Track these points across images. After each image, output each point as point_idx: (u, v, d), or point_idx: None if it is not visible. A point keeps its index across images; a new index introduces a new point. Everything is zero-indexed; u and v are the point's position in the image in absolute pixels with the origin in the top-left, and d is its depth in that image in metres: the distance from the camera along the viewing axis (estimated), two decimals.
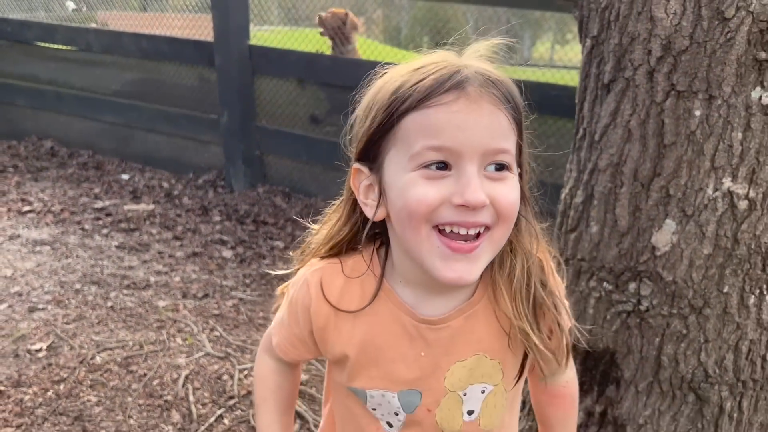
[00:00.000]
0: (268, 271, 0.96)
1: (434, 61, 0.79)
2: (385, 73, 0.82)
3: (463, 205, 0.74)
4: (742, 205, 1.22)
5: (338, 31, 4.12)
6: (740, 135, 1.19)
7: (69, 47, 4.84)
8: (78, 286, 2.74)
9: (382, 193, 0.80)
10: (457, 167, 0.74)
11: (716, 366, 1.29)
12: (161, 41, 4.41)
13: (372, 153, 0.80)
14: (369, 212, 0.82)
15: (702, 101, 1.20)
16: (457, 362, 0.86)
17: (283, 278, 2.91)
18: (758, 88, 1.17)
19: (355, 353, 0.87)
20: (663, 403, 1.35)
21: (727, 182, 1.21)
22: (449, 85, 0.74)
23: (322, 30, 4.17)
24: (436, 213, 0.75)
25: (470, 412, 0.89)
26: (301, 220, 0.99)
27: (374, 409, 0.90)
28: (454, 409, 0.88)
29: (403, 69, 0.80)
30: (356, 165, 0.83)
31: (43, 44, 4.98)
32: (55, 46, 4.94)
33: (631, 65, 1.26)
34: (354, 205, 0.87)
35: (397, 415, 0.89)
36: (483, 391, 0.88)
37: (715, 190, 1.22)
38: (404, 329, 0.86)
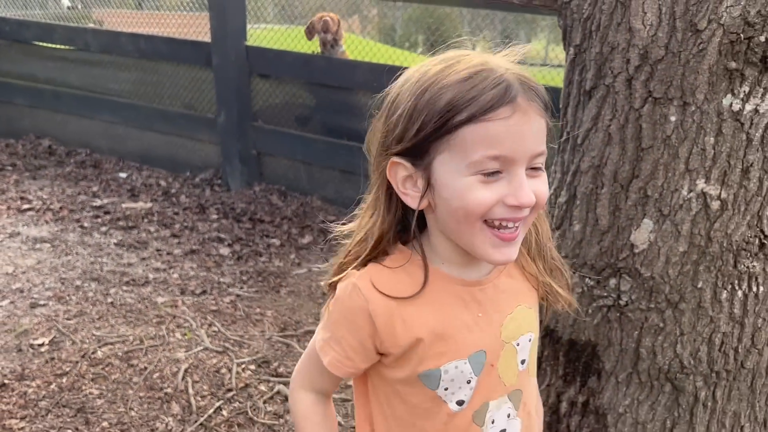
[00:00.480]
0: (324, 283, 0.98)
1: (479, 68, 0.84)
2: (423, 76, 0.86)
3: (516, 205, 0.84)
4: (715, 205, 1.29)
5: (336, 35, 4.21)
6: (712, 139, 1.26)
7: (67, 47, 4.88)
8: (78, 282, 2.80)
9: (428, 186, 0.87)
10: (509, 171, 0.84)
11: (691, 357, 1.37)
12: (159, 41, 4.47)
13: (419, 152, 0.86)
14: (411, 201, 0.89)
15: (677, 107, 1.27)
16: (507, 316, 0.97)
17: (279, 275, 2.95)
18: (729, 96, 1.24)
19: (428, 333, 0.92)
20: (641, 393, 1.42)
21: (701, 184, 1.28)
22: (506, 100, 0.82)
23: (323, 34, 4.24)
24: (490, 212, 0.85)
25: (523, 362, 0.99)
26: (328, 223, 1.01)
27: (446, 389, 0.94)
28: (511, 360, 0.97)
29: (449, 76, 0.83)
30: (396, 159, 0.88)
31: (41, 44, 5.03)
32: (53, 46, 4.98)
33: (611, 73, 1.33)
34: (391, 195, 0.92)
35: (469, 383, 0.94)
36: (530, 340, 1.00)
37: (690, 191, 1.29)
38: (459, 297, 0.94)
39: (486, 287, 0.96)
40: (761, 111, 1.24)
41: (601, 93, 1.35)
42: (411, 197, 0.88)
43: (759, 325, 1.37)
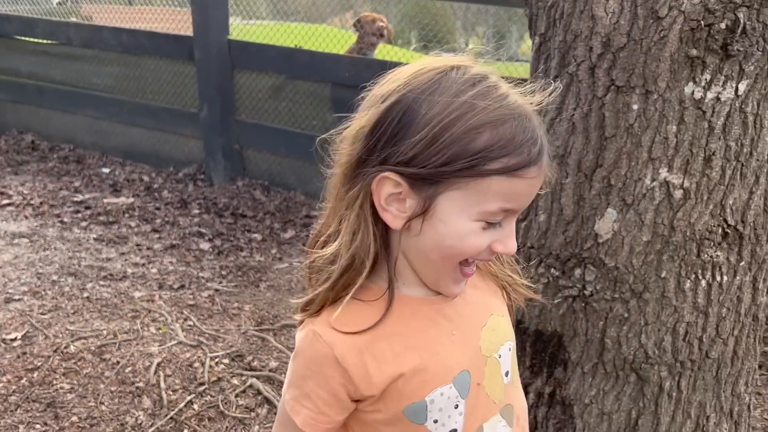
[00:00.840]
0: (301, 317, 0.88)
1: (515, 111, 0.79)
2: (451, 103, 0.77)
3: (501, 252, 0.83)
4: (678, 194, 1.28)
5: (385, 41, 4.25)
6: (675, 128, 1.25)
7: (49, 41, 4.85)
8: (55, 277, 2.78)
9: (425, 212, 0.80)
10: (506, 219, 0.82)
11: (655, 347, 1.36)
12: (141, 35, 4.44)
13: (429, 180, 0.78)
14: (392, 220, 0.81)
15: (639, 96, 1.26)
16: (481, 328, 0.92)
17: (260, 269, 2.92)
18: (691, 84, 1.23)
19: (405, 365, 0.85)
20: (607, 384, 1.41)
21: (664, 172, 1.28)
22: (537, 160, 0.79)
23: (377, 38, 4.23)
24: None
25: (507, 374, 0.95)
26: (306, 249, 0.91)
27: (435, 421, 0.87)
28: (496, 374, 0.93)
29: (484, 112, 0.77)
30: (392, 175, 0.79)
31: (23, 38, 4.99)
32: (36, 40, 4.94)
33: (574, 61, 1.32)
34: (375, 210, 0.82)
35: (456, 408, 0.88)
36: (510, 349, 0.96)
37: (653, 180, 1.29)
38: (428, 318, 0.88)
39: (452, 302, 0.90)
40: (723, 99, 1.24)
41: (565, 81, 1.34)
42: (392, 216, 0.81)
43: (723, 315, 1.37)
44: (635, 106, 1.27)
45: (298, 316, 0.90)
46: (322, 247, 0.87)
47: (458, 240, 0.80)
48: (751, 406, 1.55)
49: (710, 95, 1.23)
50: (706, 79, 1.23)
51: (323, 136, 0.87)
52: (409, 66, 0.83)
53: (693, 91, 1.24)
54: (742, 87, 1.23)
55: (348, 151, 0.82)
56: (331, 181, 0.86)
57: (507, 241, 0.82)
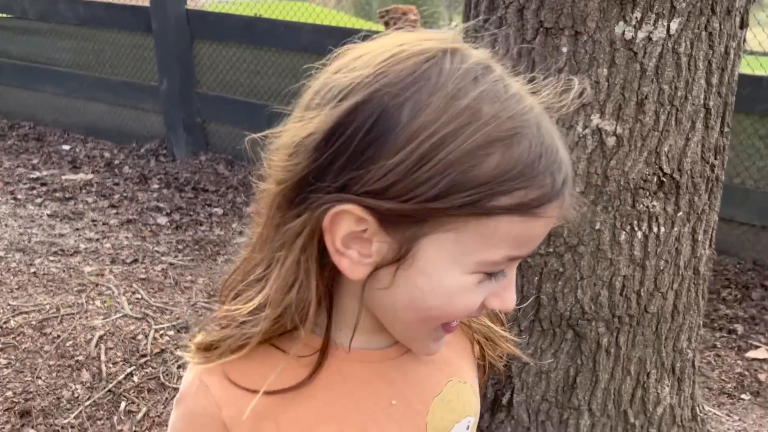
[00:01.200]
0: (193, 360, 0.62)
1: (533, 122, 0.55)
2: (450, 105, 0.53)
3: (497, 309, 0.64)
4: (611, 141, 1.23)
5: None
6: (606, 71, 1.20)
7: (4, 15, 4.69)
8: (2, 253, 2.69)
9: (400, 259, 0.57)
10: (507, 267, 0.61)
11: (592, 303, 1.32)
12: (97, 7, 4.30)
13: (411, 217, 0.56)
14: (349, 268, 0.58)
15: (568, 37, 1.20)
16: (434, 398, 0.71)
17: (218, 243, 2.84)
18: (621, 23, 1.17)
19: None
20: (544, 341, 1.37)
21: (596, 119, 1.22)
22: (561, 193, 0.58)
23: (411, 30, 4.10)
24: None
25: None
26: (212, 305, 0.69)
27: None
28: None
29: (494, 121, 0.54)
30: (354, 209, 0.55)
31: None
32: None
33: (503, 3, 1.25)
34: (324, 252, 0.58)
35: None
36: (468, 427, 0.75)
37: (585, 127, 1.23)
38: (363, 381, 0.67)
39: (401, 360, 0.68)
40: (654, 39, 1.18)
41: (494, 26, 1.28)
42: (351, 262, 0.57)
43: (661, 268, 1.32)
44: (564, 49, 1.21)
45: (188, 356, 0.65)
46: (237, 296, 0.62)
47: (445, 299, 0.59)
48: (696, 363, 1.52)
49: (641, 35, 1.17)
50: (636, 18, 1.17)
51: (253, 135, 0.62)
52: (379, 44, 0.57)
53: (623, 31, 1.17)
54: (674, 26, 1.17)
55: (285, 165, 0.57)
56: (263, 200, 0.61)
57: (505, 295, 0.61)
